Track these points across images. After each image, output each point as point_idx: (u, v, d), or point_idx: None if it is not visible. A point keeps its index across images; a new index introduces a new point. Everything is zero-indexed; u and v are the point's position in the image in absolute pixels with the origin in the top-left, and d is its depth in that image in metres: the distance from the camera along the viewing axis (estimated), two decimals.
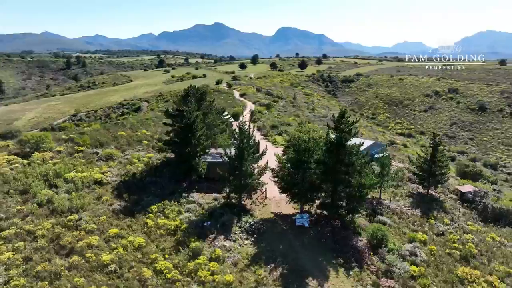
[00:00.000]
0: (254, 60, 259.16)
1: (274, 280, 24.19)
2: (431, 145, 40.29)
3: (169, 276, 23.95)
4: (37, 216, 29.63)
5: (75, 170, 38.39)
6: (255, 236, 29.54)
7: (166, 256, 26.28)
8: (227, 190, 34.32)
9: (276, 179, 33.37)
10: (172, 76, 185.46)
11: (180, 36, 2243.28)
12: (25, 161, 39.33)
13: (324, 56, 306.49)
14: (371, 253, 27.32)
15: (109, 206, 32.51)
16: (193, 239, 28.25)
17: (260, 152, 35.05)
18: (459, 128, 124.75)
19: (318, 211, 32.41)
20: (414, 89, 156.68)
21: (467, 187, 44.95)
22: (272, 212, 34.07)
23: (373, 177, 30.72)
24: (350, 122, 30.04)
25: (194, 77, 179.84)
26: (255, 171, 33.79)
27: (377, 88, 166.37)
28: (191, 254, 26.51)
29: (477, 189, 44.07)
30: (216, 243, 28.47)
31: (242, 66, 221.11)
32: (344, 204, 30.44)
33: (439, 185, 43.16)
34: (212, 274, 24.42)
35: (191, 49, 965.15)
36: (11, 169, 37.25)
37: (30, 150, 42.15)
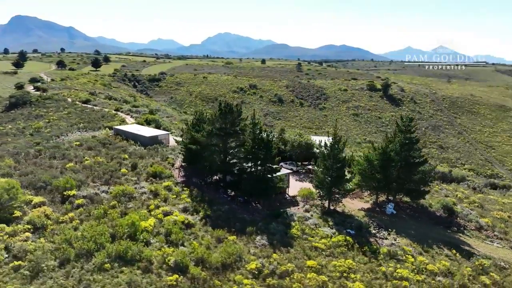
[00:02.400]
0: None
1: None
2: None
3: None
4: None
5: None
6: (389, 230, 35.49)
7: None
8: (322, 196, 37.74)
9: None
10: None
11: None
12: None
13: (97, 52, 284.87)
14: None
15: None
16: (367, 247, 31.81)
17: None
18: (272, 118, 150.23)
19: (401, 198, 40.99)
20: (220, 86, 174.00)
21: None
22: (358, 209, 40.02)
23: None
24: (414, 126, 39.76)
25: None
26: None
27: (188, 86, 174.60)
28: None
29: None
30: (382, 243, 32.98)
31: None
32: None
33: None
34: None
35: None
36: None
37: None
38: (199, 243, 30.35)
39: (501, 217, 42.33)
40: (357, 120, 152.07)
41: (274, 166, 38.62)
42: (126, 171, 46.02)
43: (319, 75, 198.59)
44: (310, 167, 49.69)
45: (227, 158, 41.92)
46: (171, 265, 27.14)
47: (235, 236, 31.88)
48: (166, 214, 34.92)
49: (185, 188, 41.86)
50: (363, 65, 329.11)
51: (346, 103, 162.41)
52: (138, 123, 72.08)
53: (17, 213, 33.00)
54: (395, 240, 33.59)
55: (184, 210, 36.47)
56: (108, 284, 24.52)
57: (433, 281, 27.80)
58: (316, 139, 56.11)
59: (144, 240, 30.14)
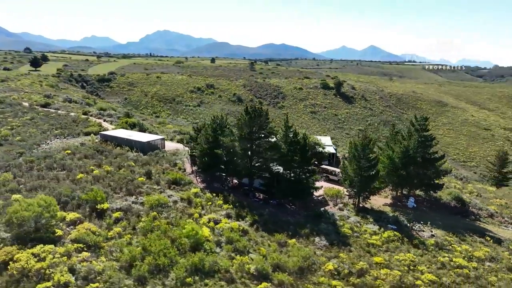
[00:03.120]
0: None
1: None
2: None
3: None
4: None
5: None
6: (421, 222, 38.37)
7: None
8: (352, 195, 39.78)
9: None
10: None
11: None
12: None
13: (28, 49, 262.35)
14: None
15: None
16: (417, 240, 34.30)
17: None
18: (234, 117, 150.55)
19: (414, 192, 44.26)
20: (176, 86, 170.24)
21: None
22: (383, 205, 42.58)
23: None
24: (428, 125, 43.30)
25: None
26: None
27: (141, 87, 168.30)
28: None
29: None
30: (422, 235, 35.65)
31: None
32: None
33: None
34: None
35: None
36: None
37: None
38: (266, 249, 30.44)
39: (500, 204, 47.77)
40: (315, 117, 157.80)
41: (311, 168, 39.60)
42: (143, 179, 44.02)
43: (273, 74, 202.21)
44: (324, 166, 51.32)
45: (256, 162, 42.00)
46: (253, 272, 27.07)
47: (294, 240, 32.43)
48: (215, 222, 34.32)
49: (213, 194, 41.19)
50: (306, 63, 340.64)
51: (303, 101, 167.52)
52: (123, 128, 68.57)
53: (59, 232, 30.43)
54: (431, 231, 36.50)
55: (228, 217, 36.09)
56: None
57: (483, 267, 30.89)
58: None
59: (211, 250, 29.55)
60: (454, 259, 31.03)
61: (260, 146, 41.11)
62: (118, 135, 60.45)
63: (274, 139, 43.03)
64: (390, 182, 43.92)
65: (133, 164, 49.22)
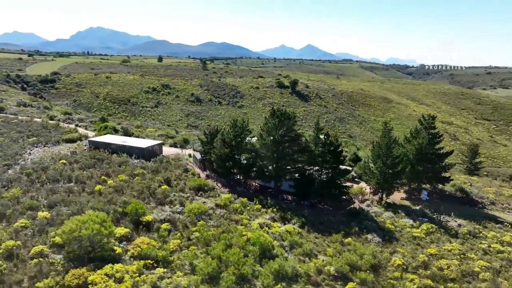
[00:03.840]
0: None
1: None
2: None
3: None
4: None
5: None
6: (435, 213, 41.83)
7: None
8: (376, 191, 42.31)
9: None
10: None
11: None
12: None
13: None
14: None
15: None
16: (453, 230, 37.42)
17: None
18: (194, 118, 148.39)
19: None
20: (129, 87, 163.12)
21: None
22: (401, 199, 45.54)
23: None
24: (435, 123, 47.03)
25: None
26: None
27: (91, 87, 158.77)
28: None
29: None
30: (450, 225, 38.88)
31: None
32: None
33: None
34: None
35: None
36: None
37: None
38: (331, 250, 31.26)
39: (493, 192, 53.25)
40: None
41: (343, 168, 41.01)
42: (166, 187, 42.32)
43: (227, 73, 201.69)
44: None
45: (284, 164, 42.44)
46: (334, 274, 27.79)
47: (350, 238, 33.63)
48: (266, 227, 34.33)
49: (245, 199, 40.88)
50: (251, 62, 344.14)
51: (261, 100, 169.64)
52: (109, 133, 64.61)
53: (118, 249, 28.52)
54: (456, 221, 39.90)
55: (274, 220, 36.28)
56: None
57: None
58: None
59: (282, 255, 29.66)
60: (493, 245, 34.46)
61: (289, 149, 41.61)
62: (112, 141, 56.99)
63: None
64: (405, 177, 46.97)
65: (144, 171, 46.99)
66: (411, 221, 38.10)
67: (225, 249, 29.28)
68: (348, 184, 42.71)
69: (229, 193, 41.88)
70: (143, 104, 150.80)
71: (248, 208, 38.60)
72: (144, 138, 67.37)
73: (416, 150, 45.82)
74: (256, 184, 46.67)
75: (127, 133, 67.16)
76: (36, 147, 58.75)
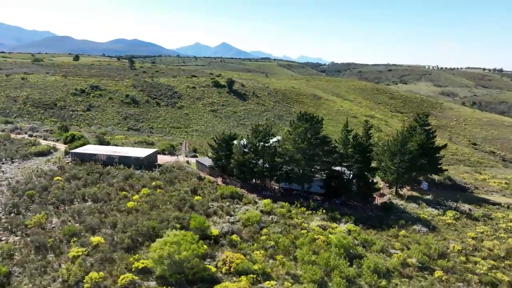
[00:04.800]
0: None
1: None
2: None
3: None
4: None
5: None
6: (449, 200, 47.26)
7: None
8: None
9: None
10: None
11: None
12: None
13: None
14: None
15: None
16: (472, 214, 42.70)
17: None
18: (134, 120, 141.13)
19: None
20: (52, 89, 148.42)
21: None
22: (407, 190, 50.23)
23: None
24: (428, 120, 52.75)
25: None
26: None
27: (4, 91, 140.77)
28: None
29: None
30: (463, 210, 44.31)
31: None
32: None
33: None
34: None
35: None
36: None
37: None
38: (399, 244, 33.72)
39: (469, 178, 61.08)
40: (217, 116, 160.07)
41: (372, 166, 43.65)
42: (199, 197, 40.69)
43: (157, 72, 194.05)
44: None
45: (312, 167, 43.78)
46: (418, 265, 30.24)
47: (403, 231, 36.50)
48: (323, 228, 35.49)
49: (284, 203, 41.26)
50: (172, 60, 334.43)
51: (200, 100, 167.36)
52: (86, 143, 58.75)
53: (212, 268, 27.26)
54: (464, 206, 45.44)
55: (324, 221, 37.54)
56: None
57: None
58: None
59: (363, 254, 31.17)
60: (508, 224, 40.33)
61: (319, 150, 43.01)
62: (101, 152, 52.20)
63: (275, 139, 45.78)
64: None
65: (160, 183, 44.36)
66: (435, 210, 42.57)
67: (311, 254, 29.81)
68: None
69: (263, 198, 41.91)
70: (72, 108, 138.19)
71: (293, 211, 39.15)
72: (123, 146, 62.73)
73: (418, 145, 50.87)
74: (279, 187, 47.25)
75: (103, 142, 61.80)
76: (3, 163, 51.20)
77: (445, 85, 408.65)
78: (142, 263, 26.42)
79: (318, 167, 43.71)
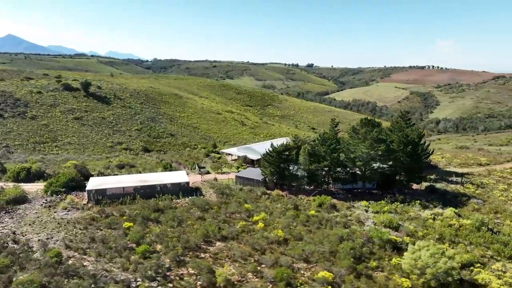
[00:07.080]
0: None
1: None
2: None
3: None
4: None
5: None
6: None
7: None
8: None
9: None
10: None
11: None
12: None
13: None
14: None
15: None
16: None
17: None
18: None
19: None
20: None
21: None
22: None
23: None
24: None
25: None
26: None
27: None
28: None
29: None
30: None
31: None
32: None
33: None
34: None
35: None
36: None
37: None
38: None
39: None
40: (84, 124, 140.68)
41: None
42: (313, 212, 39.85)
43: None
44: None
45: (370, 166, 48.30)
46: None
47: (475, 205, 45.46)
48: (436, 216, 41.13)
49: (374, 202, 44.50)
50: None
51: (55, 107, 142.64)
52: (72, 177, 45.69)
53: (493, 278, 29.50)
54: (456, 179, 58.24)
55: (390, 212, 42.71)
56: None
57: None
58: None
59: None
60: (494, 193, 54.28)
61: (379, 151, 47.46)
62: (127, 184, 42.30)
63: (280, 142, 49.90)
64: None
65: (249, 207, 40.24)
66: (458, 186, 53.58)
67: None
68: None
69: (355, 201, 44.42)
70: None
71: (379, 207, 42.68)
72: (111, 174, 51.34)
73: (412, 146, 60.42)
74: (336, 189, 49.73)
75: (82, 172, 49.11)
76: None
77: (264, 79, 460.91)
78: None
79: (375, 165, 48.48)
